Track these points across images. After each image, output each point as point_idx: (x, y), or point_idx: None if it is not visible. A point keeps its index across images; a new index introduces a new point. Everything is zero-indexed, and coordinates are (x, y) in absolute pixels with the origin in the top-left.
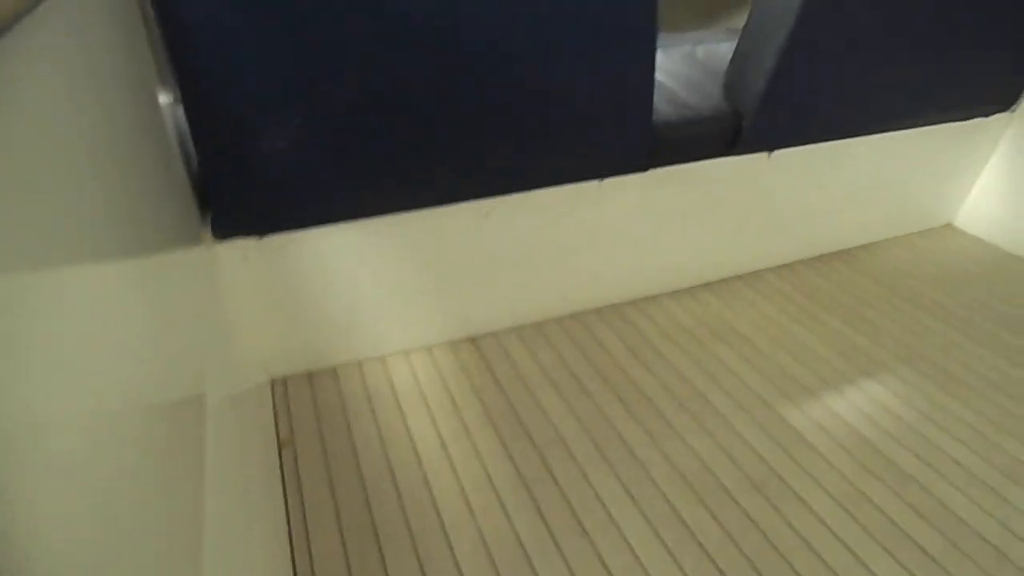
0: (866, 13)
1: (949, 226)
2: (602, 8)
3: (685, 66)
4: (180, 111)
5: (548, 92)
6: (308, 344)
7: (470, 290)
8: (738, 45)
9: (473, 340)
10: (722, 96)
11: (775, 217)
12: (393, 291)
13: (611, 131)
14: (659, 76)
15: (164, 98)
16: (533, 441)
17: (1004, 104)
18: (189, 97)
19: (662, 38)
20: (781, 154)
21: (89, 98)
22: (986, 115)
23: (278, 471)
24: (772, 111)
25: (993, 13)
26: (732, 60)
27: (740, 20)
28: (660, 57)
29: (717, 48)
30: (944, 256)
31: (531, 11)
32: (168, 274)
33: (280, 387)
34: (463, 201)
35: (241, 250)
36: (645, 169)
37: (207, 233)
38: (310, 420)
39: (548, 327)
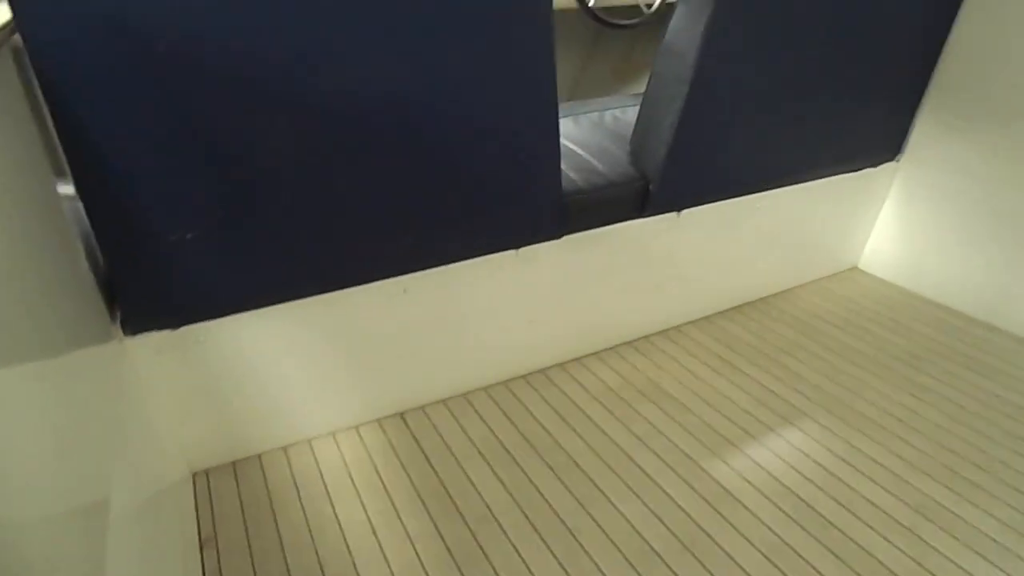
0: (755, 78)
1: (855, 269)
2: (503, 87)
3: (594, 133)
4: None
5: (457, 170)
6: (230, 433)
7: (393, 365)
8: (640, 113)
9: (401, 415)
10: (629, 162)
11: (691, 272)
12: (315, 373)
13: (523, 203)
14: (569, 144)
15: (65, 192)
16: (464, 519)
17: (891, 153)
18: (87, 194)
19: (573, 105)
20: (690, 212)
21: None
22: (875, 165)
23: (199, 574)
24: (676, 175)
25: (872, 70)
26: (635, 127)
27: (644, 85)
28: (570, 125)
29: (624, 113)
30: (852, 298)
31: (435, 91)
32: (70, 374)
33: (202, 480)
34: (379, 280)
35: (154, 344)
36: (559, 236)
37: (117, 329)
38: (234, 514)
39: (476, 397)
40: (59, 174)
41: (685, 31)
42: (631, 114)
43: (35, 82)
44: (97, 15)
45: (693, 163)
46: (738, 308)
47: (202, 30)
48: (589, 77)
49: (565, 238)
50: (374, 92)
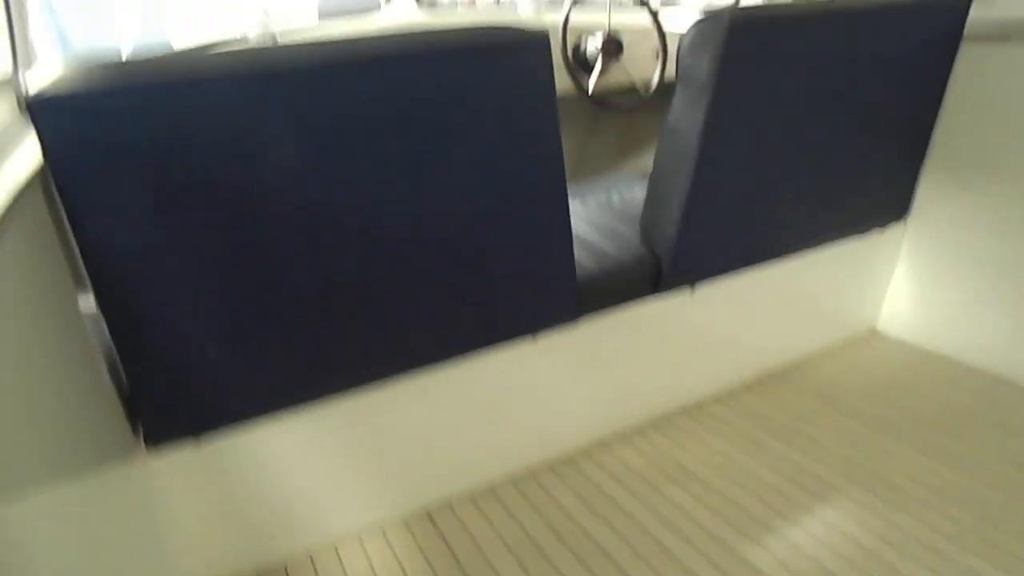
0: (758, 153)
1: (872, 331)
2: (512, 182)
3: (603, 214)
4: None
5: (474, 267)
6: (255, 542)
7: (418, 462)
8: (648, 192)
9: (428, 513)
10: (640, 241)
11: (708, 347)
12: (339, 473)
13: (539, 292)
14: (579, 228)
15: (87, 308)
16: None
17: (898, 214)
18: (108, 310)
19: (579, 186)
20: (703, 288)
21: None
22: (883, 227)
23: None
24: (687, 252)
25: (873, 135)
26: (644, 207)
27: (650, 160)
28: (578, 206)
29: (631, 192)
30: (871, 363)
31: (444, 192)
32: (93, 491)
33: None
34: (400, 377)
35: (177, 456)
36: (576, 320)
37: (139, 442)
38: None
39: (503, 490)
40: (80, 287)
41: (686, 114)
42: (637, 193)
43: (59, 202)
44: (120, 142)
45: (703, 239)
46: (759, 380)
47: (225, 160)
48: (592, 156)
49: (581, 322)
50: (390, 209)
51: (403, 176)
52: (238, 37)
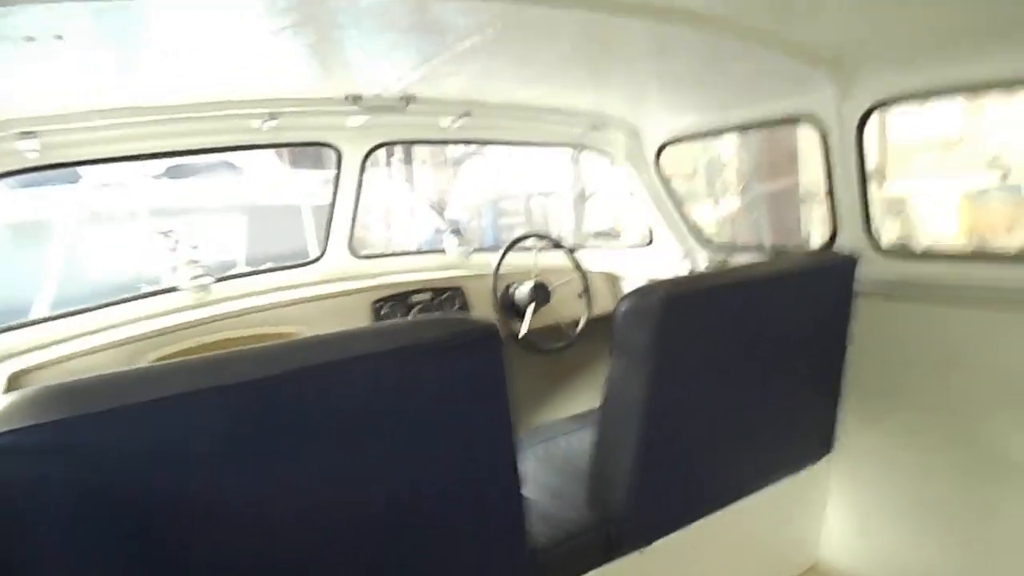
0: (698, 405)
1: (815, 566)
2: (462, 469)
3: (547, 468)
4: None
5: (421, 553)
6: None
7: None
8: (592, 455)
9: None
10: (586, 502)
11: None
12: None
13: (491, 566)
14: (526, 489)
15: None
16: None
17: (824, 449)
18: None
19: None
20: (652, 547)
21: None
22: (815, 460)
23: None
24: (637, 514)
25: (794, 376)
26: (590, 468)
27: (580, 396)
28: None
29: (571, 440)
30: None
31: (391, 482)
32: None
33: None
34: None
35: None
36: None
37: None
38: None
39: None
40: None
41: (627, 381)
42: (576, 442)
43: None
44: (50, 477)
45: (653, 499)
46: None
47: (153, 486)
48: (523, 394)
49: None
50: (335, 502)
51: (349, 471)
52: (169, 287)
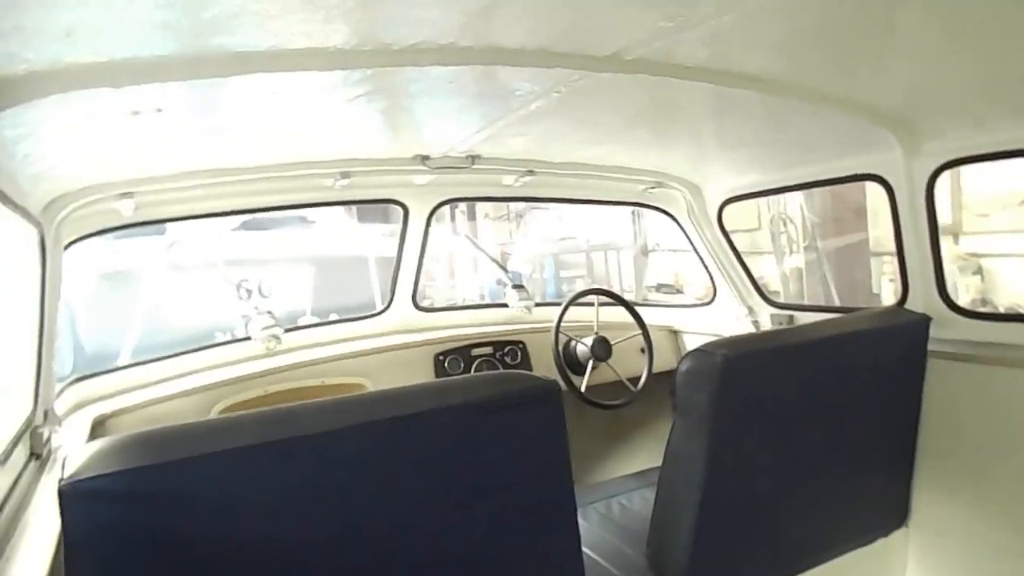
0: (761, 469)
1: None
2: (525, 520)
3: (605, 529)
4: None
5: None
6: None
7: None
8: (653, 517)
9: None
10: (647, 567)
11: None
12: None
13: None
14: (584, 550)
15: None
16: None
17: (898, 521)
18: None
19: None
20: None
21: None
22: (888, 532)
23: None
24: None
25: (864, 443)
26: (651, 531)
27: (639, 453)
28: (579, 522)
29: (630, 501)
30: None
31: (454, 538)
32: None
33: None
34: None
35: None
36: None
37: None
38: None
39: None
40: None
41: (688, 443)
42: (637, 501)
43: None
44: (144, 525)
45: (715, 566)
46: None
47: (249, 534)
48: (580, 450)
49: None
50: (401, 556)
51: (410, 525)
52: (242, 337)
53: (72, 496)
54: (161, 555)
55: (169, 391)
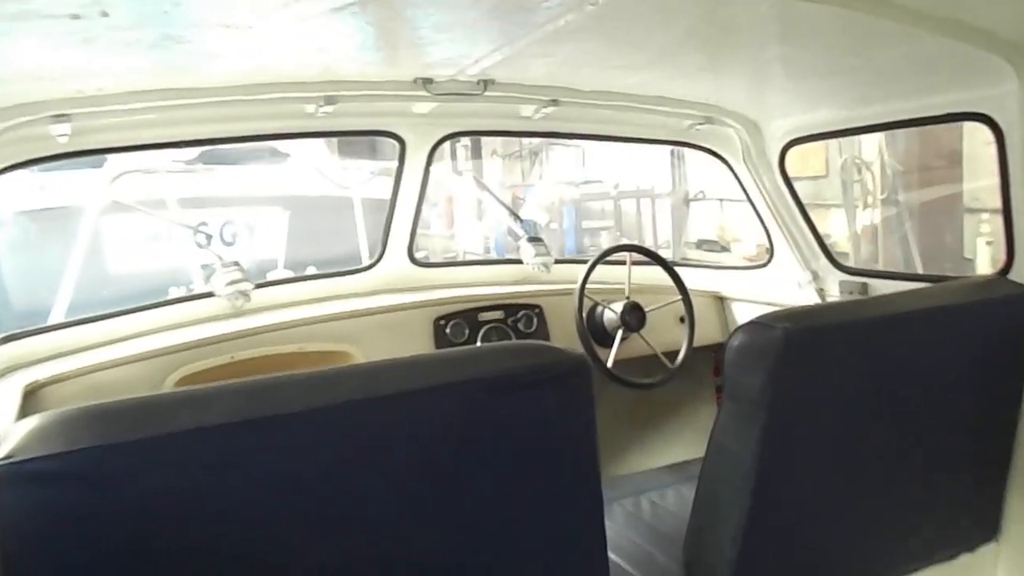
0: (823, 469)
1: None
2: (545, 516)
3: (632, 529)
4: None
5: None
6: None
7: None
8: (691, 518)
9: None
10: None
11: None
12: None
13: None
14: (610, 554)
15: None
16: None
17: (987, 534)
18: None
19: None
20: None
21: None
22: (971, 549)
23: None
24: None
25: (947, 442)
26: (688, 535)
27: (669, 440)
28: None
29: (662, 497)
30: None
31: (467, 526)
32: None
33: None
34: None
35: None
36: None
37: None
38: None
39: None
40: None
41: (737, 432)
42: (671, 499)
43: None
44: (84, 507)
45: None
46: None
47: (199, 520)
48: (611, 441)
49: None
50: (407, 547)
51: (410, 520)
52: (203, 292)
53: (7, 479)
54: (112, 547)
55: (115, 355)
